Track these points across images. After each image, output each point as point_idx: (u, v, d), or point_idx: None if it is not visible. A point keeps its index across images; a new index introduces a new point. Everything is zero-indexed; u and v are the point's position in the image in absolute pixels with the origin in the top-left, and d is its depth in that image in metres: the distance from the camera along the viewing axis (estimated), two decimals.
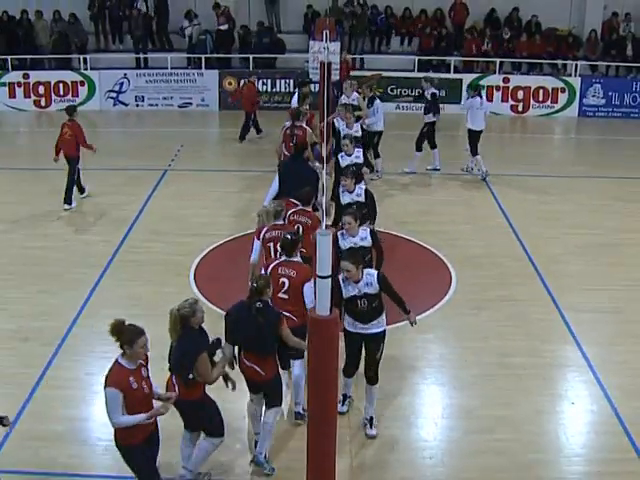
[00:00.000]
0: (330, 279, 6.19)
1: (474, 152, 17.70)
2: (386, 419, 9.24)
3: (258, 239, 9.99)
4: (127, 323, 7.13)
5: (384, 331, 8.80)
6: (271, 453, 8.53)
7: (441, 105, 23.43)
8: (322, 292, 6.23)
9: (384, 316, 8.79)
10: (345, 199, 11.18)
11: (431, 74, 20.78)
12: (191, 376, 7.66)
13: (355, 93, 16.80)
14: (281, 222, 9.95)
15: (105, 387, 6.96)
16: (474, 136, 17.61)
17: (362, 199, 11.18)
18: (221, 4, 24.91)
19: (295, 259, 9.01)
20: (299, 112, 14.45)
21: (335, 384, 6.62)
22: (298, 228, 10.31)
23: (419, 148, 17.93)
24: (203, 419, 7.97)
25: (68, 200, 15.60)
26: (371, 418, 9.01)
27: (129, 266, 13.17)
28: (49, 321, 11.33)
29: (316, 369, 6.57)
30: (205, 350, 7.72)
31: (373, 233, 9.95)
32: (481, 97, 18.01)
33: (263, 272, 8.83)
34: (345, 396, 9.31)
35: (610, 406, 9.51)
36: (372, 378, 8.92)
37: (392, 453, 8.73)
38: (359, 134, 15.11)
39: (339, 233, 9.75)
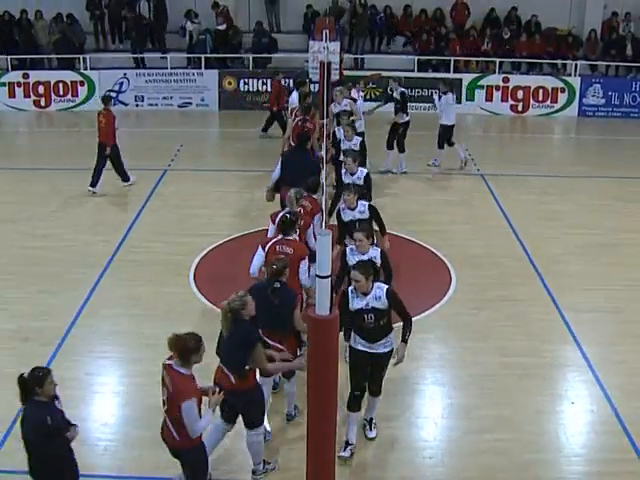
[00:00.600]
0: (329, 279, 6.19)
1: (441, 145, 18.06)
2: (386, 419, 9.23)
3: (263, 248, 9.62)
4: (183, 333, 7.10)
5: (392, 350, 8.49)
6: (270, 453, 8.53)
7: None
8: (322, 292, 6.22)
9: (392, 335, 8.47)
10: (346, 216, 10.67)
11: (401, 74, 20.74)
12: (247, 367, 7.79)
13: (345, 100, 16.37)
14: (292, 237, 9.60)
15: (182, 402, 6.87)
16: (447, 131, 17.95)
17: (366, 216, 10.63)
18: (220, 4, 24.89)
19: (292, 237, 9.54)
20: (309, 106, 15.03)
21: (335, 383, 6.61)
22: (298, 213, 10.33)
23: (390, 147, 17.94)
24: (253, 407, 8.00)
25: (93, 184, 16.36)
26: (370, 419, 8.98)
27: (129, 266, 13.17)
28: (49, 321, 11.33)
29: (316, 368, 6.56)
30: (259, 340, 7.84)
31: (383, 253, 9.65)
32: (453, 93, 18.28)
33: (261, 250, 9.50)
34: (347, 443, 8.65)
35: (610, 406, 9.51)
36: (375, 392, 8.76)
37: (392, 453, 8.73)
38: (357, 147, 14.16)
39: (348, 249, 9.58)
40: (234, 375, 7.80)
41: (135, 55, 24.54)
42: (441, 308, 11.90)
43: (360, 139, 14.42)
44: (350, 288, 8.33)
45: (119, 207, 15.64)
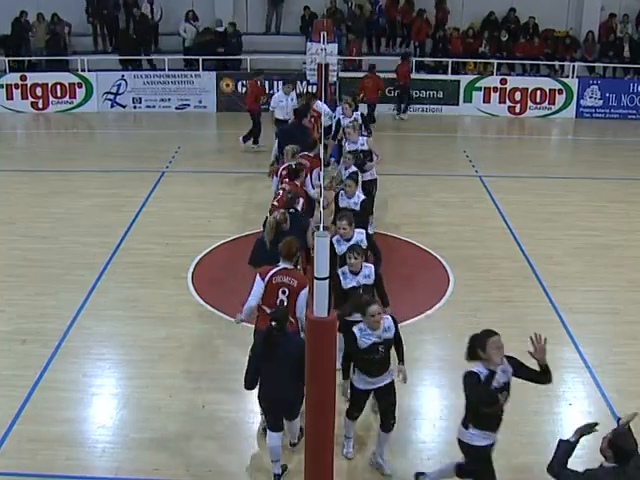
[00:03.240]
0: (327, 281, 6.19)
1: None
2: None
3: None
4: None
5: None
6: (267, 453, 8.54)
7: (438, 106, 23.86)
8: (320, 293, 6.23)
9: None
10: (341, 248, 9.78)
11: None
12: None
13: (362, 138, 14.08)
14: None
15: None
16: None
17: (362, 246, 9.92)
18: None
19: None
20: (310, 94, 16.09)
21: (333, 385, 6.61)
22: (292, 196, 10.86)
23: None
24: None
25: (255, 140, 19.04)
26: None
27: (127, 268, 13.17)
28: (47, 323, 11.32)
29: (313, 370, 6.57)
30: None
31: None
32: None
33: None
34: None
35: (608, 407, 9.52)
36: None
37: (390, 454, 8.71)
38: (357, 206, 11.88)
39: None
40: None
41: (134, 57, 24.53)
42: (439, 309, 11.90)
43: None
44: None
45: (117, 209, 15.62)
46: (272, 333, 7.92)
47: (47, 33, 24.29)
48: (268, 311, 8.66)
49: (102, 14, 24.92)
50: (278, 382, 7.86)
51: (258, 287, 8.81)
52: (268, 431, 8.29)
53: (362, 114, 15.89)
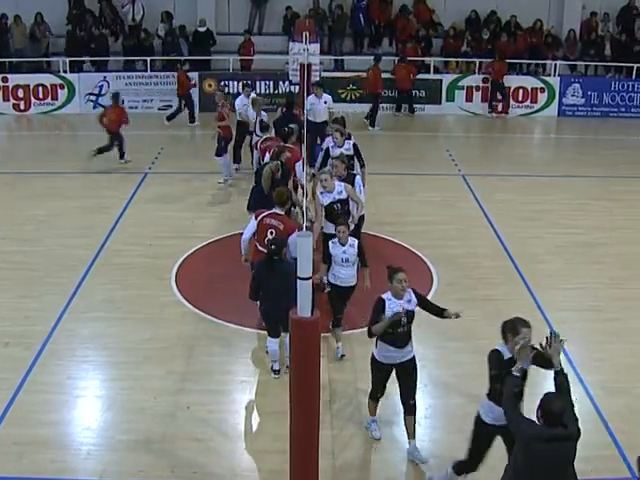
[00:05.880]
0: (310, 280, 6.21)
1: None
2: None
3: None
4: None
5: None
6: (257, 455, 8.54)
7: (420, 106, 23.90)
8: (303, 293, 6.24)
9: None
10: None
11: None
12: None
13: (348, 142, 13.59)
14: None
15: None
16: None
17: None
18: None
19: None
20: (267, 126, 15.74)
21: (317, 385, 6.63)
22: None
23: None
24: None
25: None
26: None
27: (110, 269, 13.14)
28: (30, 325, 11.28)
29: (298, 371, 6.59)
30: None
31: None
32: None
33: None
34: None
35: (592, 403, 9.57)
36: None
37: (375, 453, 8.76)
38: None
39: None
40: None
41: (117, 58, 24.46)
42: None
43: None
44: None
45: (100, 210, 15.58)
46: (272, 257, 9.64)
47: (26, 35, 24.18)
48: (259, 247, 10.46)
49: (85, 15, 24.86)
50: (277, 296, 9.41)
51: (252, 225, 10.67)
52: (268, 337, 10.06)
53: (355, 144, 13.59)
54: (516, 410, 6.83)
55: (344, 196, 11.37)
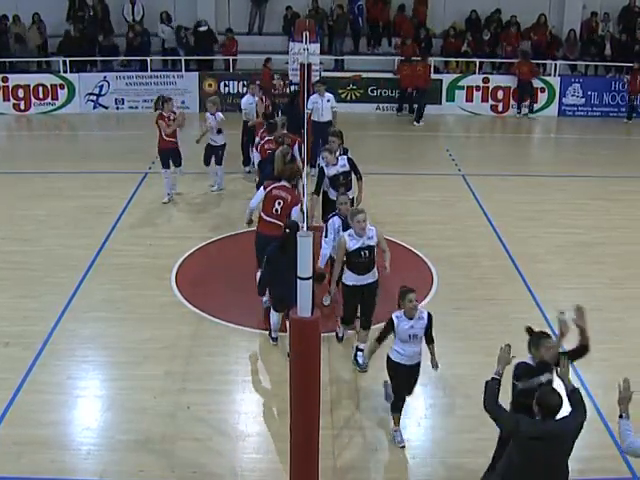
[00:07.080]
0: (310, 280, 6.20)
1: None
2: (369, 419, 9.26)
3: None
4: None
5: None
6: (257, 455, 8.53)
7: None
8: (303, 293, 6.24)
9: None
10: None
11: None
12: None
13: (343, 159, 12.75)
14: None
15: None
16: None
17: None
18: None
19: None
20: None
21: (317, 384, 6.63)
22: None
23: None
24: None
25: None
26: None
27: (110, 269, 13.13)
28: (30, 325, 11.28)
29: (298, 370, 6.58)
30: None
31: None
32: None
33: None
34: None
35: (592, 404, 9.55)
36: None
37: (375, 454, 8.75)
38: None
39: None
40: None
41: (117, 58, 24.47)
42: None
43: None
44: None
45: (100, 210, 15.56)
46: (286, 240, 9.96)
47: (25, 35, 24.20)
48: (265, 217, 11.20)
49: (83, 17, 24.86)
50: (290, 278, 9.02)
51: (260, 194, 11.45)
52: (272, 310, 10.58)
53: (350, 159, 12.76)
54: (501, 408, 6.97)
55: (373, 242, 10.28)
